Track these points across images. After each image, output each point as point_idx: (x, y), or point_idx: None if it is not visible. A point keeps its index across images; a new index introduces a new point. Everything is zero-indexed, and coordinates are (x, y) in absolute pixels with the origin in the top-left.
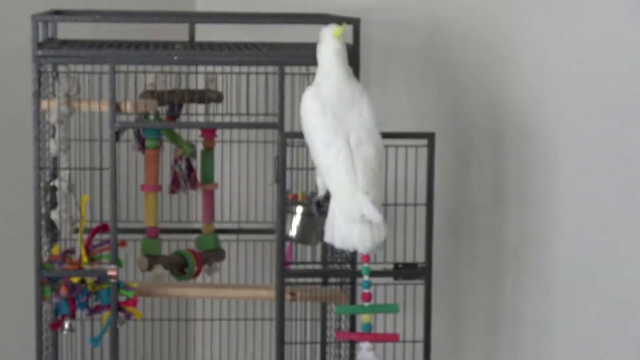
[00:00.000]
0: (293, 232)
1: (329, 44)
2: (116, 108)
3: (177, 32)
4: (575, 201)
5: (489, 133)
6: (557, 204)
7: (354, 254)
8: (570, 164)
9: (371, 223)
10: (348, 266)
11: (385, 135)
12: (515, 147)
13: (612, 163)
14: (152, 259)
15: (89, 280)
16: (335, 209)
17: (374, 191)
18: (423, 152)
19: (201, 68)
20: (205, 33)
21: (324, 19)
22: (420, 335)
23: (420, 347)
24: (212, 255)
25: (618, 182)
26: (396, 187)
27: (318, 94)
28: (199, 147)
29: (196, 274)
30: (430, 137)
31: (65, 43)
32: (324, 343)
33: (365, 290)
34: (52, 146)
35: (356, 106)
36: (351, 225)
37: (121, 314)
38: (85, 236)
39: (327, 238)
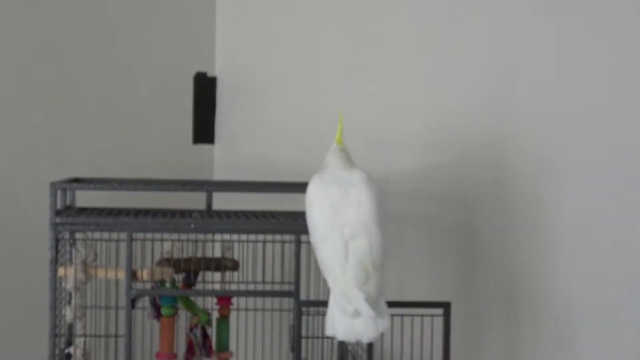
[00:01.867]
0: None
1: (333, 149)
2: (132, 275)
3: (194, 201)
4: None
5: (503, 302)
6: None
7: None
8: (588, 331)
9: None
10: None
11: (400, 305)
12: (531, 319)
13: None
14: None
15: None
16: (333, 302)
17: (368, 287)
18: (439, 322)
19: (218, 236)
20: (222, 201)
21: None
22: None
23: None
24: None
25: None
26: (412, 358)
27: (322, 180)
28: (215, 315)
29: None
30: (446, 306)
31: (83, 210)
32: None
33: None
34: (68, 313)
35: (355, 195)
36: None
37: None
38: None
39: (329, 332)
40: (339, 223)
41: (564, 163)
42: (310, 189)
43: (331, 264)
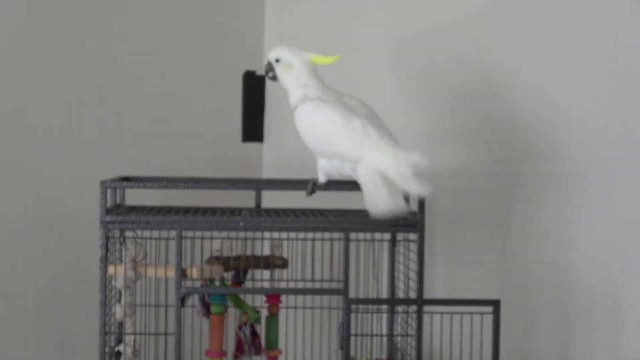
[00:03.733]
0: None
1: (307, 63)
2: (182, 274)
3: (243, 199)
4: None
5: (553, 299)
6: None
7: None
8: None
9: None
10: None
11: (450, 302)
12: (583, 317)
13: None
14: None
15: None
16: (371, 179)
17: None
18: (488, 320)
19: (267, 234)
20: (271, 200)
21: None
22: None
23: None
24: None
25: None
26: (461, 355)
27: (312, 102)
28: (264, 313)
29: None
30: (495, 304)
31: (132, 209)
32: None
33: None
34: (118, 311)
35: (347, 97)
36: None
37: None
38: None
39: (373, 209)
40: (352, 113)
41: (614, 160)
42: (306, 110)
43: (369, 136)
